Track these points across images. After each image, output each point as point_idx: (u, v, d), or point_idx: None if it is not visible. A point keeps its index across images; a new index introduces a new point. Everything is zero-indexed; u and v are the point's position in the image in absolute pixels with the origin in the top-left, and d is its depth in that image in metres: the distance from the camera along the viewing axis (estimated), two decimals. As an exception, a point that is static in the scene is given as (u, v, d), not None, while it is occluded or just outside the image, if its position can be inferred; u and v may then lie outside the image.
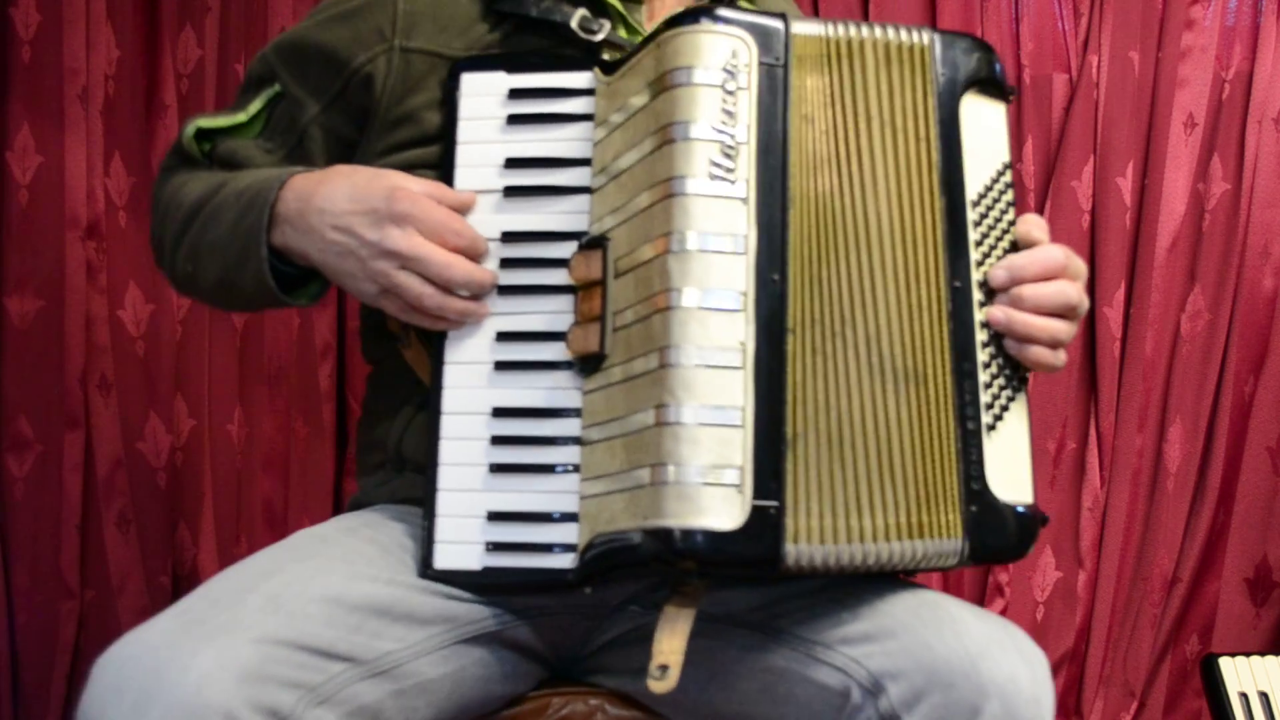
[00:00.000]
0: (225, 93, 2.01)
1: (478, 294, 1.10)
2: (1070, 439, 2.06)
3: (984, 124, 1.11)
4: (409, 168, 1.19)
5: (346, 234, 1.08)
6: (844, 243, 1.06)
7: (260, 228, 1.11)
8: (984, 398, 1.07)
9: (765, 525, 0.99)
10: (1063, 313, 1.09)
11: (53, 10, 1.94)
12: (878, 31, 1.08)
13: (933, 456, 1.05)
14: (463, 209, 1.10)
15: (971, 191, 1.09)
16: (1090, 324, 2.05)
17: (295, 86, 1.23)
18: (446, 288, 1.08)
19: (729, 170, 1.02)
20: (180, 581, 2.02)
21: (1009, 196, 1.11)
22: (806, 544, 1.01)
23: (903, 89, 1.08)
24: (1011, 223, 1.11)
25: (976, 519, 1.05)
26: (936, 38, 1.09)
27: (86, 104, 1.94)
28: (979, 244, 1.09)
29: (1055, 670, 2.05)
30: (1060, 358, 1.10)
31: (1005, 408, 1.08)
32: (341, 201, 1.08)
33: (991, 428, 1.07)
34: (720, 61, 1.03)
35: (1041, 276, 1.08)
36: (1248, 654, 1.75)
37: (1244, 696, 1.71)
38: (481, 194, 1.13)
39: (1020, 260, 1.09)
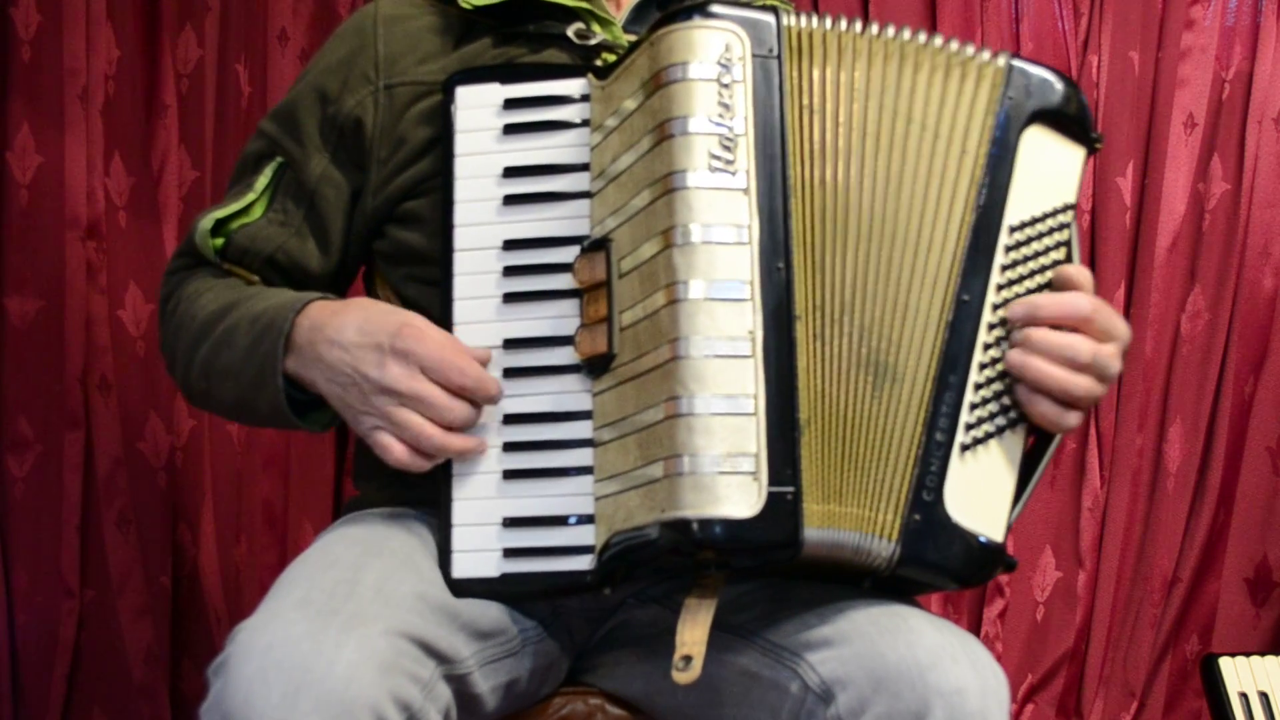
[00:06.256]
0: (225, 93, 2.01)
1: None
2: (1070, 439, 2.06)
3: (1049, 159, 1.10)
4: (407, 189, 1.21)
5: (351, 367, 1.08)
6: (853, 233, 1.06)
7: (276, 356, 1.13)
8: (966, 416, 1.05)
9: (783, 511, 0.99)
10: (1072, 365, 1.05)
11: (53, 10, 1.94)
12: (937, 41, 1.09)
13: (888, 454, 1.05)
14: (478, 363, 1.10)
15: (1013, 217, 1.08)
16: (1091, 324, 2.04)
17: (297, 148, 1.26)
18: (447, 427, 1.07)
19: (728, 162, 1.03)
20: (180, 582, 2.02)
21: (1061, 236, 1.09)
22: (817, 529, 1.02)
23: (959, 100, 1.08)
24: (1057, 262, 1.09)
25: (918, 528, 1.04)
26: (1014, 63, 1.09)
27: (86, 104, 1.94)
28: (1008, 269, 1.07)
29: (1055, 670, 2.05)
30: (1069, 419, 1.06)
31: (991, 435, 1.06)
32: (350, 334, 1.09)
33: (967, 448, 1.05)
34: (714, 55, 1.04)
35: (1057, 320, 1.06)
36: (1248, 654, 1.75)
37: (1244, 696, 1.71)
38: (482, 203, 1.13)
39: (1041, 299, 1.07)
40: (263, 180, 1.27)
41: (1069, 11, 2.06)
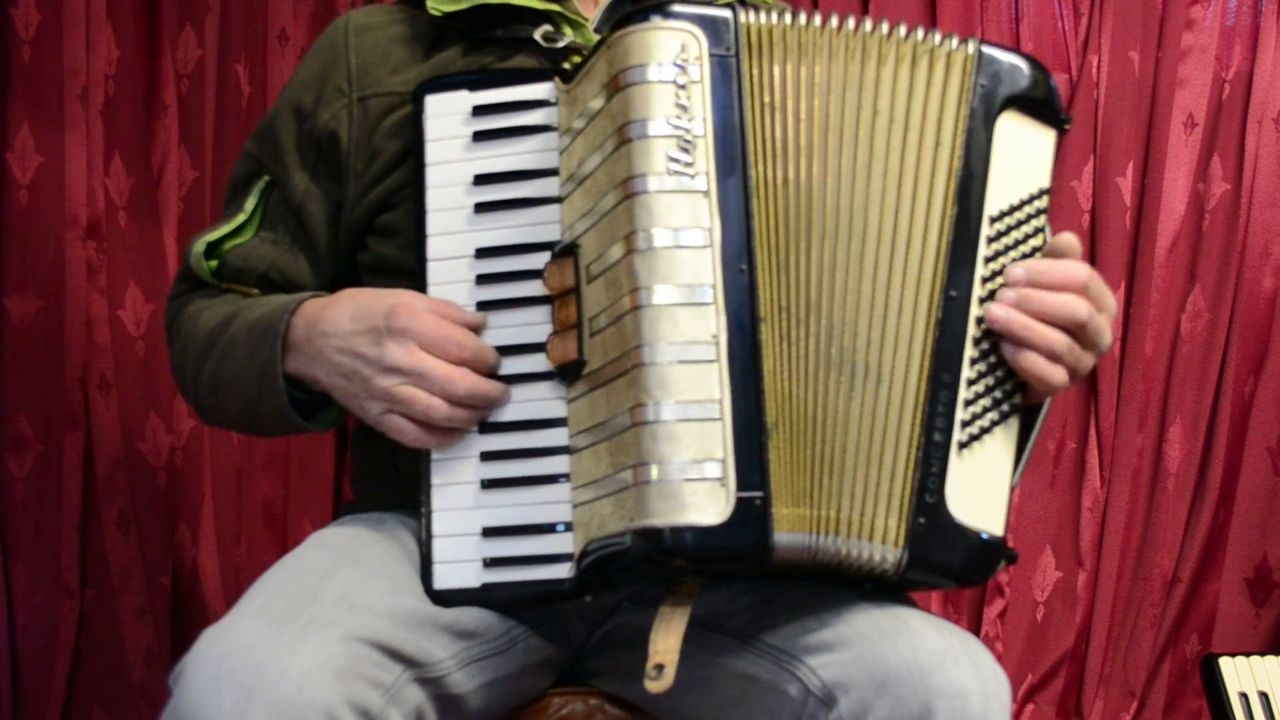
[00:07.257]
0: (225, 92, 2.02)
1: (484, 406, 1.08)
2: (1070, 439, 2.06)
3: (1023, 144, 1.08)
4: (382, 201, 1.21)
5: (349, 354, 1.08)
6: (818, 231, 1.05)
7: (275, 360, 1.13)
8: (961, 414, 1.04)
9: (751, 516, 0.98)
10: (1068, 327, 1.05)
11: (53, 10, 1.94)
12: (901, 31, 1.06)
13: (882, 458, 1.04)
14: (472, 328, 1.09)
15: (992, 207, 1.06)
16: (1090, 324, 2.04)
17: (280, 168, 1.26)
18: (451, 401, 1.06)
19: (688, 164, 1.02)
20: (180, 581, 2.02)
21: (1039, 222, 1.08)
22: (788, 533, 1.01)
23: (929, 90, 1.06)
24: (1037, 248, 1.07)
25: (923, 532, 1.02)
26: (983, 49, 1.07)
27: (86, 104, 1.94)
28: (991, 260, 1.06)
29: (1055, 670, 2.05)
30: (1057, 373, 1.05)
31: (986, 430, 1.05)
32: (344, 323, 1.09)
33: (965, 446, 1.04)
34: (671, 56, 1.03)
35: (1058, 286, 1.05)
36: (1248, 654, 1.75)
37: (1244, 696, 1.71)
38: (453, 212, 1.13)
39: (1040, 265, 1.05)
40: (252, 201, 1.27)
41: (1069, 11, 2.06)
